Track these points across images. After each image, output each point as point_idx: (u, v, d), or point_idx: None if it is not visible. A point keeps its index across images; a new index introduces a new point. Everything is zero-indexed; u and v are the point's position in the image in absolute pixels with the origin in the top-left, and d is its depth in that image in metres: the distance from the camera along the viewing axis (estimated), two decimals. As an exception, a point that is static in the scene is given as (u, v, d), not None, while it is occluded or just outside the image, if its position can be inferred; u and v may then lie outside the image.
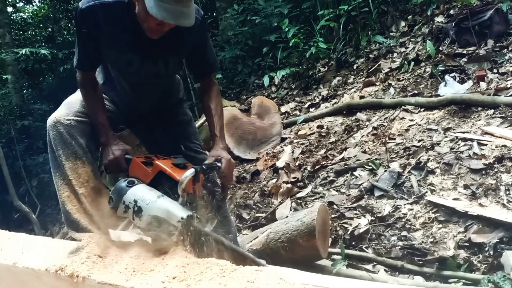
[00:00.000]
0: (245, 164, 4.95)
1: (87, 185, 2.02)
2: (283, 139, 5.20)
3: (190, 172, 1.75)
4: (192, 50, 2.17)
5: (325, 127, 5.01)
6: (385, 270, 2.80)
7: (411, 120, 4.33)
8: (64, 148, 2.04)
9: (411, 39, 5.86)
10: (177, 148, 2.27)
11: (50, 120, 2.09)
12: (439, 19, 5.77)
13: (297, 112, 5.83)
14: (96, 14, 1.94)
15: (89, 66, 2.12)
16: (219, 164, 1.97)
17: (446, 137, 3.78)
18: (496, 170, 3.18)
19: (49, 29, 12.88)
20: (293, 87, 6.66)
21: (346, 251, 2.93)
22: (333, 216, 3.35)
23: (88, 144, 2.08)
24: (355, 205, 3.41)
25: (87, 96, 2.11)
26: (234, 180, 4.45)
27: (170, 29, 1.90)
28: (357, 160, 4.03)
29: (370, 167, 3.75)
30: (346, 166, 3.98)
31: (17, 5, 12.87)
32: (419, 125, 4.18)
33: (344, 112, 5.11)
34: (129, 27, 1.96)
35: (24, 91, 11.23)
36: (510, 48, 4.72)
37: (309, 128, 5.17)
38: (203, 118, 4.85)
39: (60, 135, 2.05)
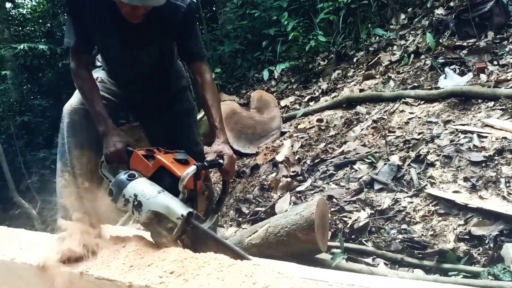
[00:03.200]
0: (245, 158, 4.94)
1: (89, 175, 2.01)
2: (282, 133, 5.19)
3: (191, 169, 1.73)
4: (176, 36, 2.17)
5: (324, 120, 5.00)
6: (384, 263, 2.79)
7: (411, 113, 4.31)
8: (74, 136, 2.06)
9: (411, 32, 5.83)
10: (178, 138, 2.26)
11: (67, 107, 2.12)
12: (439, 11, 5.73)
13: (297, 106, 5.81)
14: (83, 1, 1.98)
15: (84, 46, 2.09)
16: (221, 161, 1.94)
17: (446, 129, 3.76)
18: (496, 162, 3.17)
19: (48, 24, 12.81)
20: (292, 80, 6.63)
21: (346, 244, 2.92)
22: (332, 209, 3.34)
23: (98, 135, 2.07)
24: (354, 198, 3.41)
25: (81, 84, 2.08)
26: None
27: (151, 12, 1.91)
28: (356, 154, 4.02)
29: (370, 160, 3.74)
30: (345, 160, 3.98)
31: (16, 0, 12.81)
32: (419, 117, 4.17)
33: (344, 105, 5.09)
34: (115, 15, 1.96)
35: (24, 87, 11.19)
36: (510, 40, 4.69)
37: (309, 122, 5.16)
38: (202, 112, 4.82)
39: (73, 123, 2.07)
